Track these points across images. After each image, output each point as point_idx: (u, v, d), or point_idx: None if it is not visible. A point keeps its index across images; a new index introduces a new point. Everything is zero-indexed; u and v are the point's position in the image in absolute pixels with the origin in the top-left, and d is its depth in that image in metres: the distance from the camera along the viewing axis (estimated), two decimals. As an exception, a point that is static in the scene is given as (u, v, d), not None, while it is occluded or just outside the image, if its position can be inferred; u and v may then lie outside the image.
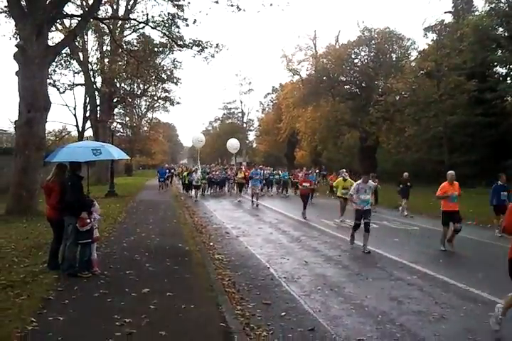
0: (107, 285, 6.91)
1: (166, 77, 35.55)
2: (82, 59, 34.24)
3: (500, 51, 31.76)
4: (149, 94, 45.01)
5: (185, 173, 28.62)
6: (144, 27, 28.08)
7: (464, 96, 30.09)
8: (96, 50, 35.56)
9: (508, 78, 31.87)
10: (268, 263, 9.24)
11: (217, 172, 29.15)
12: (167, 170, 33.11)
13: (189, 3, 21.99)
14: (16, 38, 18.79)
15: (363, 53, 43.48)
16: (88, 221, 7.54)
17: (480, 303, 6.71)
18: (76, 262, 7.49)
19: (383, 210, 19.78)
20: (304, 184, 17.41)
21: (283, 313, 6.18)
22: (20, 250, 9.13)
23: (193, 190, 25.56)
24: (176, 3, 22.46)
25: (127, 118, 60.87)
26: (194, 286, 7.06)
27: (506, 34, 30.80)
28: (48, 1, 14.93)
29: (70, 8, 31.69)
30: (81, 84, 37.16)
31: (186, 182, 27.40)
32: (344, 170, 21.60)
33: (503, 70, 33.11)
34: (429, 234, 13.60)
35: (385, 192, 21.47)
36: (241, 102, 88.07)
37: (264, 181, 28.62)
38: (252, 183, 22.69)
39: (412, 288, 7.55)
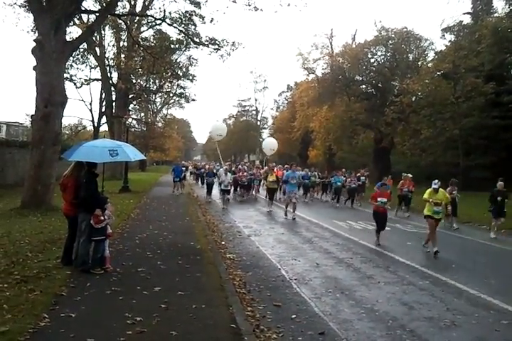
0: (118, 282, 6.96)
1: (181, 74, 35.69)
2: (98, 54, 34.42)
3: (518, 54, 31.39)
4: (165, 90, 45.15)
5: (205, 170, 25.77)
6: (160, 23, 28.20)
7: (480, 99, 29.79)
8: (113, 45, 35.69)
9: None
10: (279, 264, 9.24)
11: (245, 173, 24.08)
12: (184, 168, 29.49)
13: (206, 1, 22.02)
14: (35, 33, 18.93)
15: (379, 53, 43.14)
16: (102, 218, 7.60)
17: (492, 311, 6.67)
18: (89, 259, 7.55)
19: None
20: (379, 199, 12.04)
21: (293, 316, 6.18)
22: (34, 245, 9.21)
23: (222, 195, 20.58)
24: (193, 0, 22.53)
25: (142, 114, 61.14)
26: (205, 286, 7.08)
27: (526, 36, 30.44)
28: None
29: (88, 4, 31.98)
30: (97, 80, 37.34)
31: (207, 181, 23.71)
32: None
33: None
34: (442, 238, 13.51)
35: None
36: (255, 100, 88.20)
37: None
38: (288, 189, 17.78)
39: (424, 293, 7.51)
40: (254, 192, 25.65)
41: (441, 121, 32.05)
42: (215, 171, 24.83)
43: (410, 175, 18.87)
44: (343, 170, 25.57)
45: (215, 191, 23.99)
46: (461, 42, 33.32)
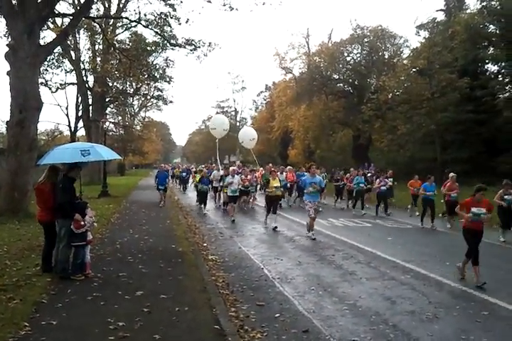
0: (100, 287, 6.89)
1: (158, 76, 35.46)
2: (74, 58, 34.05)
3: (491, 49, 31.93)
4: (142, 93, 44.84)
5: (196, 177, 20.65)
6: (136, 26, 28.00)
7: (455, 94, 30.21)
8: (88, 49, 35.35)
9: (500, 75, 32.00)
10: (262, 264, 9.24)
11: (248, 177, 19.03)
12: (169, 173, 27.02)
13: (181, 2, 22.07)
14: (8, 37, 18.63)
15: (355, 51, 43.60)
16: (83, 223, 7.51)
17: (473, 302, 6.76)
18: (69, 265, 7.46)
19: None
20: (475, 210, 8.13)
21: (277, 314, 6.18)
22: (12, 253, 9.07)
23: (228, 203, 16.89)
24: (167, 2, 22.39)
25: (120, 118, 60.64)
26: (188, 288, 7.04)
27: (497, 32, 30.96)
28: (39, 0, 14.80)
29: (61, 7, 31.57)
30: (73, 84, 36.94)
31: (200, 189, 19.10)
32: None
33: (494, 68, 33.27)
34: (423, 233, 13.68)
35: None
36: (234, 101, 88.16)
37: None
38: (307, 198, 12.97)
39: (406, 287, 7.58)
40: (251, 200, 20.68)
41: (418, 117, 32.44)
42: (208, 174, 20.30)
43: (455, 175, 15.15)
44: (356, 167, 21.50)
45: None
46: (435, 39, 33.73)
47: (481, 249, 8.08)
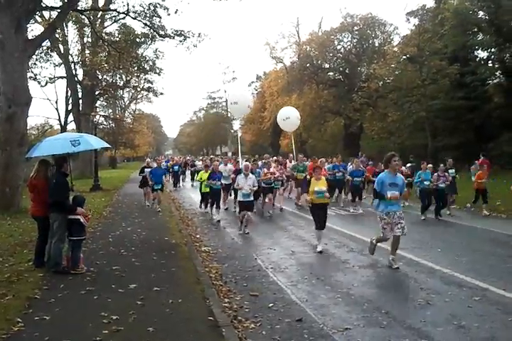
0: (93, 281, 6.88)
1: (148, 68, 35.23)
2: (62, 51, 33.68)
3: (480, 35, 31.92)
4: (132, 85, 44.51)
5: (202, 174, 15.59)
6: (124, 17, 27.66)
7: (445, 81, 30.23)
8: (76, 41, 35.01)
9: (489, 62, 32.04)
10: (255, 254, 9.27)
11: (271, 170, 15.41)
12: (166, 168, 23.63)
13: (170, -9, 21.71)
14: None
15: (345, 40, 43.55)
16: (90, 216, 7.60)
17: (464, 288, 6.81)
18: (62, 259, 7.44)
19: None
20: None
21: (270, 304, 6.21)
22: (4, 248, 9.04)
23: (240, 211, 12.09)
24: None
25: (110, 111, 60.31)
26: (181, 280, 7.06)
27: (486, 18, 30.93)
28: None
29: (49, 0, 31.17)
30: (62, 77, 36.63)
31: (205, 190, 14.90)
32: None
33: (484, 54, 33.28)
34: (414, 220, 13.71)
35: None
36: (225, 91, 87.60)
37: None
38: (382, 207, 8.19)
39: (398, 274, 7.63)
40: (276, 203, 15.88)
41: (408, 104, 32.48)
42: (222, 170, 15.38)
43: None
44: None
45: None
46: (424, 26, 33.68)
47: (474, 235, 8.13)
